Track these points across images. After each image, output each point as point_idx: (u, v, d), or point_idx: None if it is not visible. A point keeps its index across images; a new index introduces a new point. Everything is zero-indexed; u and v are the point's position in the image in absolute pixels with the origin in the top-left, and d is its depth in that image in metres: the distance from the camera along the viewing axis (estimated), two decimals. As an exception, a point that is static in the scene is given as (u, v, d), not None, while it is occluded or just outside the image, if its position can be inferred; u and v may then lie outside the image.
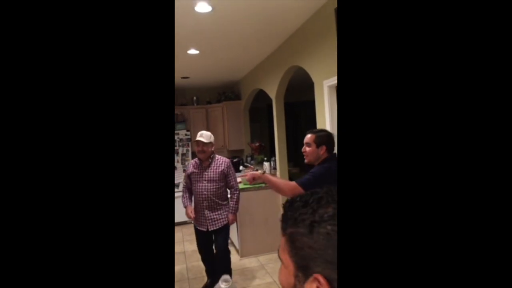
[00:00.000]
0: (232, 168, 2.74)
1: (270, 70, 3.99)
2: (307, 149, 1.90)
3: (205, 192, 2.61)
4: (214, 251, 2.77)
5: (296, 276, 0.49)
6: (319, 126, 2.82)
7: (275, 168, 4.29)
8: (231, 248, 2.94)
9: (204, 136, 2.57)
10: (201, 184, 2.62)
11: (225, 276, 0.97)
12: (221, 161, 2.67)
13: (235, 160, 5.01)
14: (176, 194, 4.10)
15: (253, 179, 1.92)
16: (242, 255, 3.58)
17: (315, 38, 2.76)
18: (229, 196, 2.78)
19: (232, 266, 2.87)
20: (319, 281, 0.45)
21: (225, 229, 2.70)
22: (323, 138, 1.88)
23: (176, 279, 3.13)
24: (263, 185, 3.49)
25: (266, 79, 4.17)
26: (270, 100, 4.11)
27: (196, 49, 3.53)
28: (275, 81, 3.82)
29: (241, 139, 5.55)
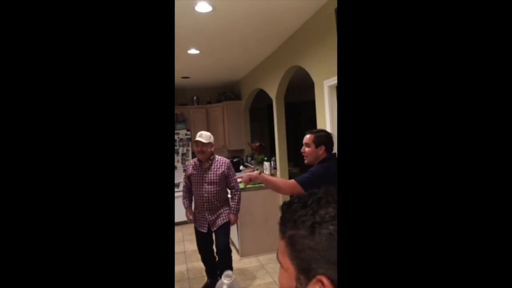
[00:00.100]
0: (232, 169, 2.73)
1: (270, 70, 3.99)
2: (306, 149, 1.90)
3: (205, 195, 2.59)
4: (215, 250, 2.76)
5: (297, 279, 0.47)
6: (319, 126, 2.83)
7: (275, 168, 4.29)
8: (231, 248, 2.94)
9: (203, 136, 2.56)
10: (201, 187, 2.61)
11: (228, 272, 0.97)
12: (221, 162, 2.65)
13: (235, 160, 5.02)
14: (176, 194, 4.10)
15: (250, 180, 1.88)
16: (242, 255, 3.58)
17: (315, 38, 2.76)
18: (229, 196, 2.77)
19: (233, 265, 2.87)
20: (322, 283, 0.44)
21: (225, 228, 2.69)
22: (322, 138, 1.88)
23: (176, 279, 3.13)
24: (263, 185, 3.48)
25: (267, 79, 4.17)
26: (270, 100, 4.11)
27: (196, 49, 3.53)
28: (276, 81, 3.82)
29: (241, 139, 5.55)
